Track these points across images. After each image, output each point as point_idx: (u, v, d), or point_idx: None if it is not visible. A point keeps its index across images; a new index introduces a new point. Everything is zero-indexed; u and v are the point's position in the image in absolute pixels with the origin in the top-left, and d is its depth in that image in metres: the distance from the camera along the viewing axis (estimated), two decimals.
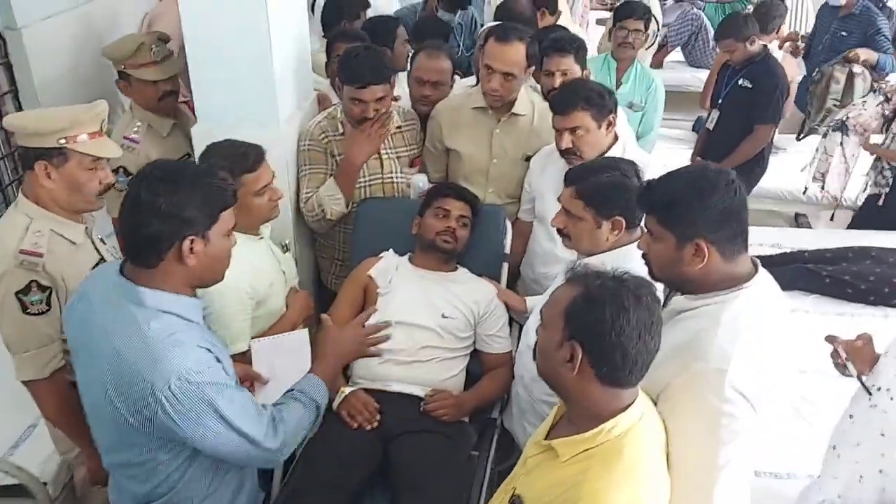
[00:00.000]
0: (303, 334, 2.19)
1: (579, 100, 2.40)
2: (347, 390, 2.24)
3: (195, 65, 2.47)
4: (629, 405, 1.43)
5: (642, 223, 1.73)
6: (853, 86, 4.31)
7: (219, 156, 2.15)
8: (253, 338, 2.18)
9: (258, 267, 2.24)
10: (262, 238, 2.31)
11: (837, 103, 4.33)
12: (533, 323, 2.18)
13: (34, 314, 1.96)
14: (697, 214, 1.55)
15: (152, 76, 2.72)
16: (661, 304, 1.58)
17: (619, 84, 3.79)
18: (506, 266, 2.65)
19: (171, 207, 1.49)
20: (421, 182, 2.70)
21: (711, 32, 5.88)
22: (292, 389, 1.82)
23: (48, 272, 1.95)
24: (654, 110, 3.75)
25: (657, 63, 6.13)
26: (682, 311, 1.63)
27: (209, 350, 1.57)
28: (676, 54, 6.53)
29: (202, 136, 2.42)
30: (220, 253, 1.63)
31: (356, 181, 2.65)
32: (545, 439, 1.49)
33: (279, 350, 2.14)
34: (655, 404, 1.53)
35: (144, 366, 1.46)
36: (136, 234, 1.52)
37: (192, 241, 1.53)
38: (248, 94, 2.49)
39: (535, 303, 2.35)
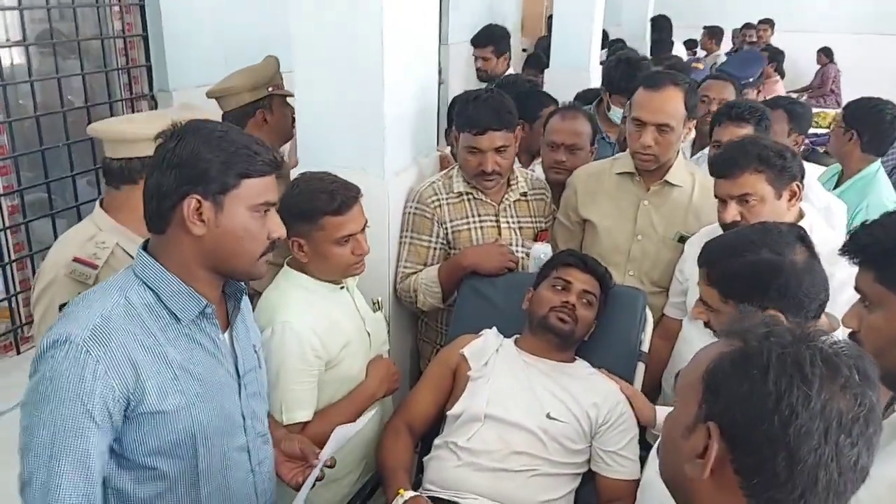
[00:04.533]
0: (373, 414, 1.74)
1: (752, 159, 1.86)
2: (408, 495, 1.69)
3: (301, 101, 2.24)
4: None
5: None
6: None
7: (303, 188, 1.83)
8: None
9: (334, 320, 1.84)
10: (343, 288, 1.92)
11: None
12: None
13: None
14: None
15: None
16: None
17: (835, 187, 3.07)
18: (641, 368, 2.04)
19: (178, 158, 1.23)
20: (542, 253, 2.21)
21: None
22: None
23: None
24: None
25: None
26: None
27: (137, 364, 1.22)
28: None
29: None
30: (238, 229, 1.29)
31: (459, 282, 2.24)
32: None
33: (354, 433, 1.70)
34: None
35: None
36: (144, 189, 1.29)
37: (197, 201, 1.24)
38: (353, 137, 2.20)
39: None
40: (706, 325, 1.65)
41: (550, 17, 8.34)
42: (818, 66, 8.39)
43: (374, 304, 2.05)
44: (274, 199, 1.33)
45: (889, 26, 8.48)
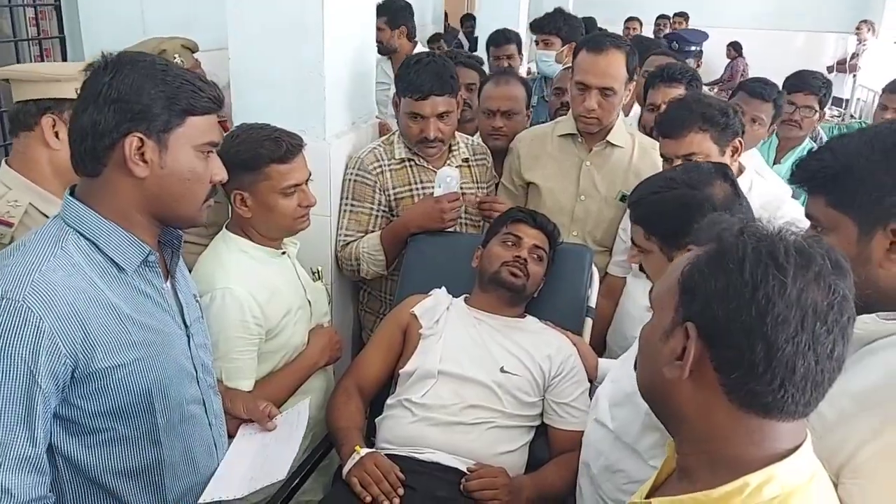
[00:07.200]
0: (302, 406, 1.63)
1: (697, 119, 1.91)
2: (364, 451, 1.65)
3: (236, 60, 2.16)
4: (790, 451, 0.83)
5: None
6: None
7: (244, 137, 1.76)
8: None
9: (274, 287, 1.77)
10: (283, 253, 1.85)
11: None
12: (606, 392, 1.58)
13: None
14: (891, 185, 1.05)
15: None
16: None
17: (776, 162, 3.15)
18: (589, 323, 2.06)
19: (116, 92, 1.12)
20: (448, 175, 2.13)
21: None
22: None
23: None
24: None
25: None
26: (874, 339, 1.08)
27: (84, 320, 1.12)
28: None
29: None
30: (184, 171, 1.20)
31: (403, 246, 2.20)
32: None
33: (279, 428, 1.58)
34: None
35: None
36: (73, 127, 1.17)
37: (140, 139, 1.14)
38: (292, 98, 2.14)
39: (610, 368, 1.76)
40: (641, 269, 1.68)
41: (466, 15, 8.40)
42: (728, 60, 8.78)
43: (313, 273, 1.99)
44: (218, 140, 1.26)
45: (790, 22, 8.97)
